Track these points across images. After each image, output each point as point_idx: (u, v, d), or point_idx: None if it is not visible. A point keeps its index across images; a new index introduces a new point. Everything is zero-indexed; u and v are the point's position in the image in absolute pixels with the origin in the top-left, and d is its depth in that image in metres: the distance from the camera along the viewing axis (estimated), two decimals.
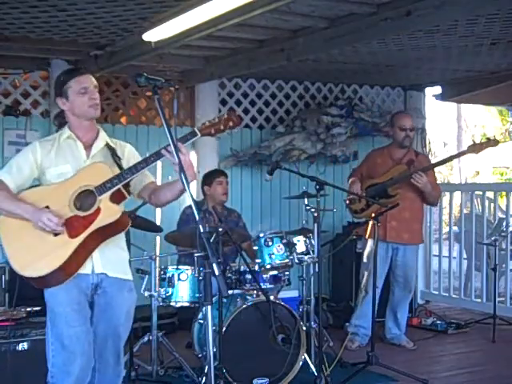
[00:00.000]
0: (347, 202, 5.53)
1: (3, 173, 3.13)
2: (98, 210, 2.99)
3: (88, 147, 3.19)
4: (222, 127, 3.04)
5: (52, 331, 3.05)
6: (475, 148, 5.11)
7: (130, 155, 3.28)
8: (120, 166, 3.13)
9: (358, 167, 5.73)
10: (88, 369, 3.05)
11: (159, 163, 6.21)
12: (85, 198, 3.01)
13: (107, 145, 3.22)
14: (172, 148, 2.73)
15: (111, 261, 3.12)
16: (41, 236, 2.96)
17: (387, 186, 5.28)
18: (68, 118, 3.19)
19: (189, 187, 2.64)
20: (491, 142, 5.08)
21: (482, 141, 5.18)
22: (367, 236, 5.29)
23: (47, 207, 3.00)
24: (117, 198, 3.05)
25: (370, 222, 5.25)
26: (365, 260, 5.43)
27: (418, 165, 5.35)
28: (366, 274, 5.33)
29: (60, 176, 3.09)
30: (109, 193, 3.00)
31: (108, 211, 3.00)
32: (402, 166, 5.36)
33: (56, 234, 2.96)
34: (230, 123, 3.05)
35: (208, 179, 5.42)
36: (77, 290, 3.04)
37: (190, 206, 4.76)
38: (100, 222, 2.99)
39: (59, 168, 3.11)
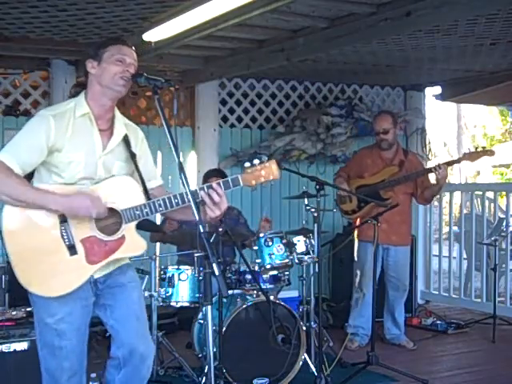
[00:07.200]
0: (337, 200, 5.49)
1: (9, 156, 2.64)
2: (122, 239, 2.69)
3: (104, 134, 2.78)
4: (262, 179, 2.64)
5: (40, 340, 2.77)
6: (471, 156, 5.06)
7: (143, 152, 2.92)
8: (138, 169, 2.80)
9: (346, 167, 5.64)
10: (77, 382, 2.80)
11: (159, 162, 6.29)
12: (108, 219, 2.68)
13: (125, 137, 2.84)
14: (177, 153, 2.58)
15: (113, 262, 2.83)
16: (53, 248, 2.64)
17: (379, 188, 5.25)
18: (90, 87, 2.78)
19: (189, 187, 2.58)
20: (488, 152, 5.03)
21: (479, 149, 5.11)
22: (356, 237, 5.39)
23: (63, 216, 2.63)
24: None
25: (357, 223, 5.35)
26: (356, 259, 5.48)
27: (408, 165, 5.33)
28: (358, 273, 5.39)
29: (69, 165, 2.68)
30: (136, 222, 2.71)
31: (133, 244, 2.72)
32: (393, 168, 5.33)
33: (72, 254, 2.64)
34: (271, 176, 2.65)
35: (205, 179, 5.42)
36: (73, 297, 2.72)
37: None
38: (122, 253, 2.72)
39: (71, 155, 2.68)
